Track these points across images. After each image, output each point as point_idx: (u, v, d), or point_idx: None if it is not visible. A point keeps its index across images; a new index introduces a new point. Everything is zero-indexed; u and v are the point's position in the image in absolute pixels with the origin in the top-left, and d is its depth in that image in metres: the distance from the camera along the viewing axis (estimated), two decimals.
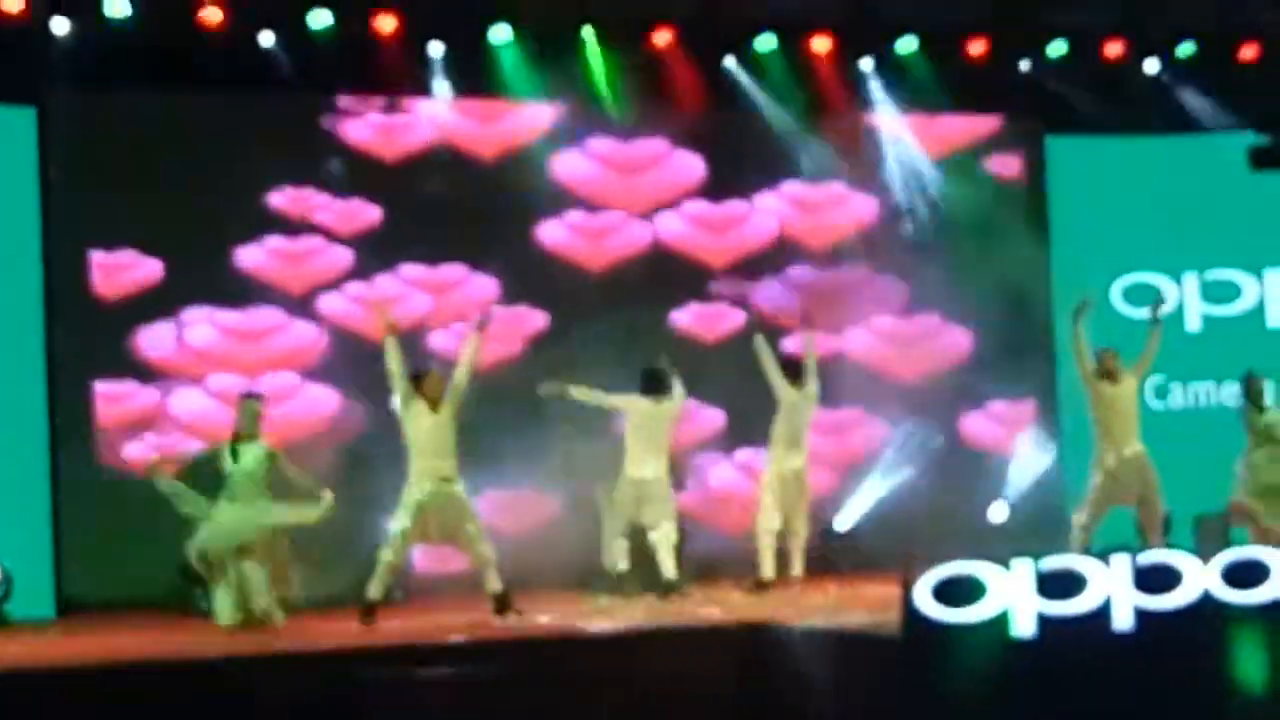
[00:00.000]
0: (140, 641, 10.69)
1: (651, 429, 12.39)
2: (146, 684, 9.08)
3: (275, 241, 14.23)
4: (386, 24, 13.97)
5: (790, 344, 13.92)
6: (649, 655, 9.84)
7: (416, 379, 11.40)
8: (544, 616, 11.30)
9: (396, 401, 11.38)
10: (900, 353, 15.79)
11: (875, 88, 15.62)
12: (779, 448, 12.85)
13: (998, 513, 15.14)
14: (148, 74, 13.54)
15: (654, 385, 12.44)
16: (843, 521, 14.81)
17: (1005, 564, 8.27)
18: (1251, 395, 13.09)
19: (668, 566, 12.24)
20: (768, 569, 12.71)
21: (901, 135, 15.76)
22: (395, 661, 9.52)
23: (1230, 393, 15.82)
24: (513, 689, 9.29)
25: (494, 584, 11.36)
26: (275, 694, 9.09)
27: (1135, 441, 12.41)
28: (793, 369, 12.99)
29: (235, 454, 11.36)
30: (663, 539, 12.25)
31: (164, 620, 12.14)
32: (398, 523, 11.30)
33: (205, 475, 11.51)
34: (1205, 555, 8.77)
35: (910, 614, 8.16)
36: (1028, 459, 15.63)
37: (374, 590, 11.22)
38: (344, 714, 9.06)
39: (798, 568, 12.86)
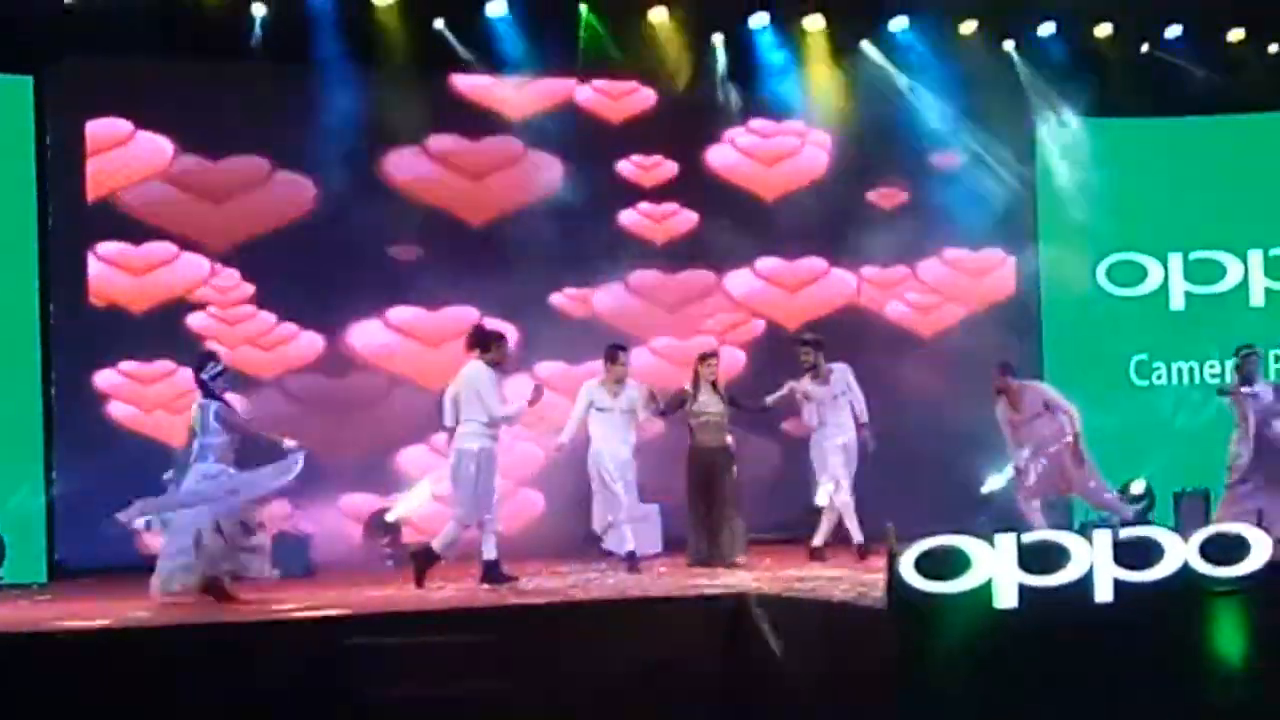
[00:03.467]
0: (131, 606, 10.75)
1: None
2: (136, 649, 9.12)
3: None
4: None
5: None
6: (636, 624, 9.93)
7: (484, 344, 11.66)
8: (533, 584, 11.46)
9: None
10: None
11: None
12: None
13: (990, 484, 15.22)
14: (144, 42, 13.62)
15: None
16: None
17: (989, 539, 8.43)
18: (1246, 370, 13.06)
19: None
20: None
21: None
22: (384, 628, 9.61)
23: (1211, 371, 16.00)
24: (500, 656, 9.35)
25: (490, 552, 11.52)
26: (266, 660, 9.14)
27: None
28: None
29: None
30: None
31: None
32: None
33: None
34: (1185, 531, 8.92)
35: (896, 585, 8.29)
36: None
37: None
38: (334, 679, 9.12)
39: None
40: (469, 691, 9.07)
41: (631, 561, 12.23)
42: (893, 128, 15.92)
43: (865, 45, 15.79)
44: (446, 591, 11.26)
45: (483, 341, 11.73)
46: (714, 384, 12.91)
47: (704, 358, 13.03)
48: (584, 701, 9.24)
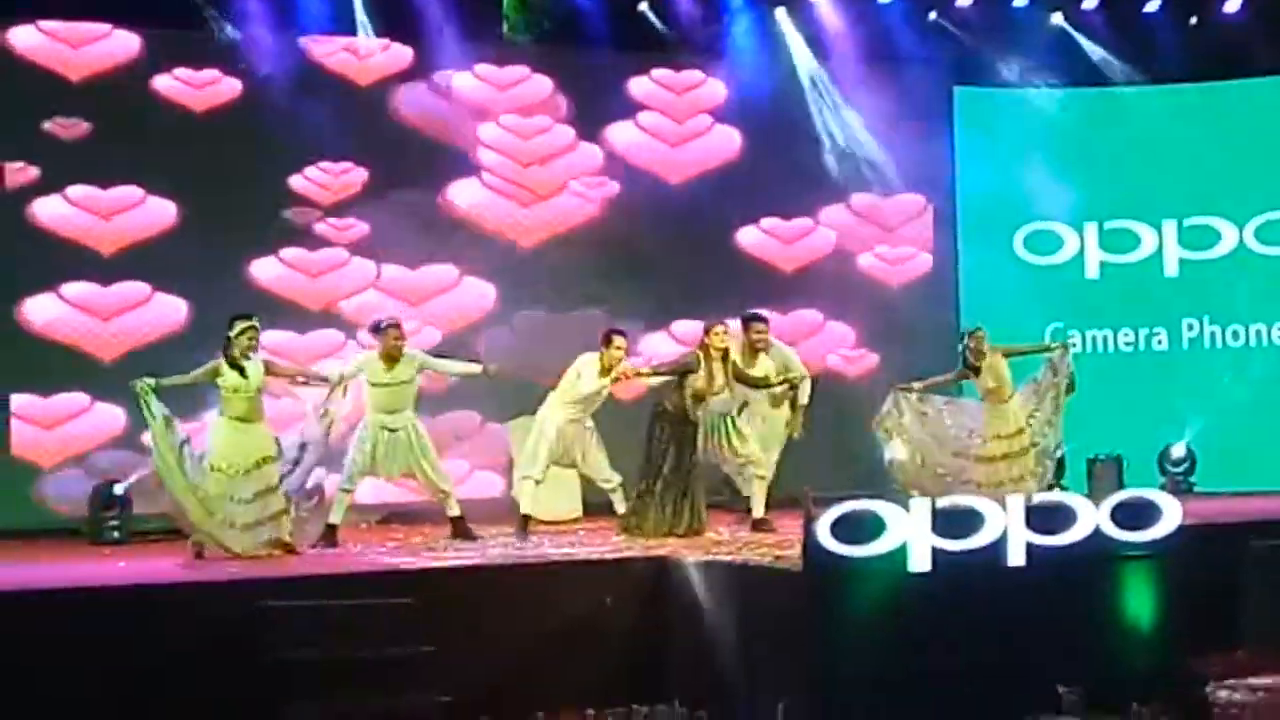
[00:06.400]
0: (43, 571, 10.69)
1: None
2: (50, 613, 9.07)
3: None
4: None
5: None
6: (556, 587, 9.97)
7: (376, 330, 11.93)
8: (451, 547, 11.45)
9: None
10: None
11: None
12: None
13: None
14: None
15: None
16: None
17: (904, 504, 8.53)
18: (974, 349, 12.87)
19: None
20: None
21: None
22: (309, 592, 9.59)
23: (1125, 340, 16.23)
24: (419, 619, 9.35)
25: (453, 509, 11.95)
26: (184, 624, 9.11)
27: None
28: None
29: (243, 372, 11.05)
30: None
31: (68, 549, 12.26)
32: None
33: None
34: (1097, 497, 9.06)
35: (811, 548, 8.36)
36: None
37: (334, 516, 11.76)
38: (254, 643, 9.08)
39: None
40: (386, 655, 9.07)
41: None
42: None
43: (779, 13, 15.85)
44: (363, 555, 11.25)
45: (376, 331, 11.95)
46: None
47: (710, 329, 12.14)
48: (507, 663, 9.32)
